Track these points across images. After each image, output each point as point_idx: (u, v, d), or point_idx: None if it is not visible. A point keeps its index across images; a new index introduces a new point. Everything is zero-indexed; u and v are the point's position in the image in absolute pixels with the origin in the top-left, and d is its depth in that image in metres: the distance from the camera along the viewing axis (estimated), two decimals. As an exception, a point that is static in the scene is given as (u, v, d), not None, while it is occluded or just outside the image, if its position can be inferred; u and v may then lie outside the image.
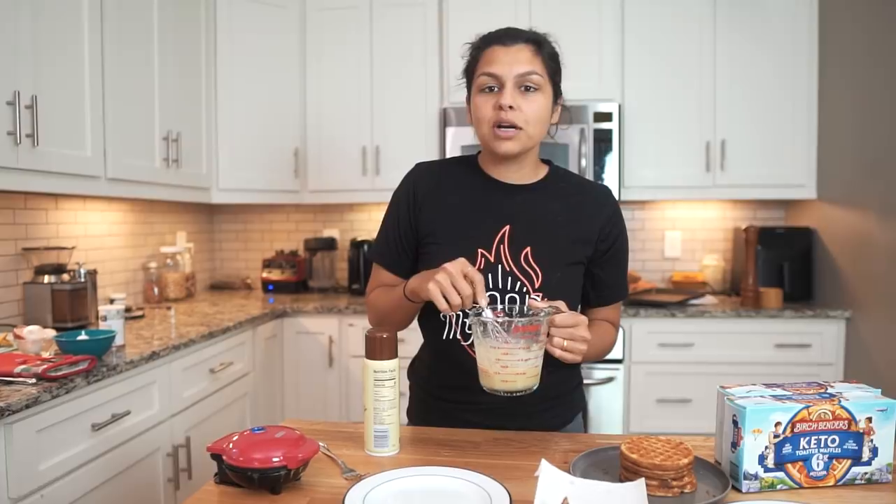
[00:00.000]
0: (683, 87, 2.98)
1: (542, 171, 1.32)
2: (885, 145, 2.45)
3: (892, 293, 2.41)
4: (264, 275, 3.35)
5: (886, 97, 2.44)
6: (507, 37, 1.22)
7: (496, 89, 1.20)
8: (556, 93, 1.25)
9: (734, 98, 2.96)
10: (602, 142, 2.91)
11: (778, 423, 0.94)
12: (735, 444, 0.95)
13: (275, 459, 0.90)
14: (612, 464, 1.01)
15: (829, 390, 1.02)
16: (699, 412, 2.76)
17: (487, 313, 1.06)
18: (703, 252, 3.36)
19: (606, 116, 2.91)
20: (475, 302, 1.06)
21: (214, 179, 2.99)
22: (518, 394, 1.05)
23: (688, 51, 2.97)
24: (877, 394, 1.01)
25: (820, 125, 2.93)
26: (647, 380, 2.79)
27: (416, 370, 1.41)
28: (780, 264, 2.96)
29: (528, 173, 1.29)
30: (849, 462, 0.97)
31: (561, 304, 1.10)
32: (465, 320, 1.25)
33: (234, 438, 0.96)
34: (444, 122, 2.99)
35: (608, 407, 2.80)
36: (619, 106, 2.93)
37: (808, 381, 1.08)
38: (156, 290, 2.93)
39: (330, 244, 3.39)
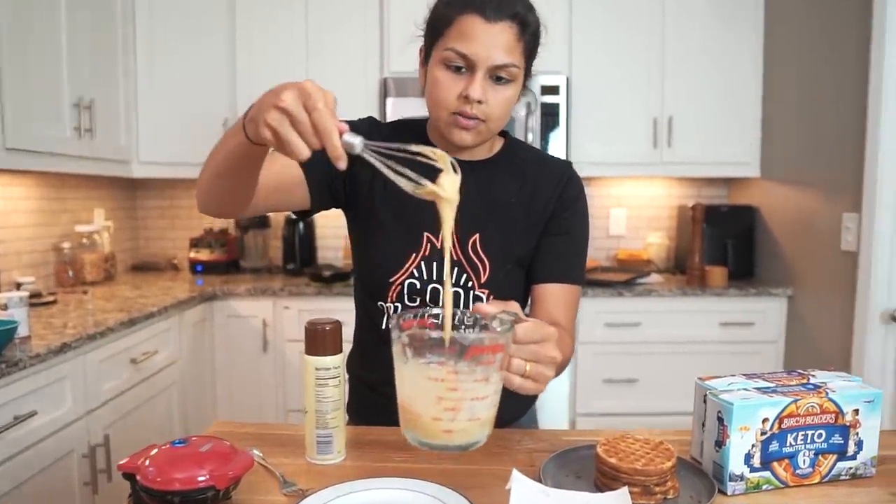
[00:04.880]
0: (632, 62, 2.92)
1: (498, 145, 1.17)
2: (828, 125, 2.45)
3: (833, 271, 2.43)
4: (192, 255, 3.13)
5: (830, 77, 2.43)
6: (489, 7, 0.98)
7: (464, 71, 1.01)
8: (527, 76, 1.09)
9: (682, 75, 2.92)
10: (549, 116, 2.81)
11: (765, 420, 0.86)
12: (720, 443, 0.86)
13: (200, 479, 0.76)
14: (584, 466, 0.91)
15: (812, 380, 0.95)
16: (646, 392, 2.74)
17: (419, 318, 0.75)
18: (648, 230, 3.33)
19: (554, 90, 2.81)
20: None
21: (134, 151, 2.75)
22: (468, 449, 0.74)
23: (637, 25, 2.90)
24: (859, 382, 0.95)
25: (764, 104, 2.92)
26: (594, 360, 2.74)
27: (354, 361, 1.26)
28: (724, 242, 2.96)
29: (483, 149, 1.14)
30: (834, 457, 0.90)
31: (514, 307, 0.81)
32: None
33: (152, 453, 0.81)
34: (385, 92, 2.83)
35: (554, 388, 2.74)
36: (567, 79, 2.83)
37: (787, 370, 1.01)
38: (70, 272, 2.68)
39: (263, 222, 3.19)
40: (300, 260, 3.10)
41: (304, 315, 2.69)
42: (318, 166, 1.08)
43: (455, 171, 0.77)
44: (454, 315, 0.79)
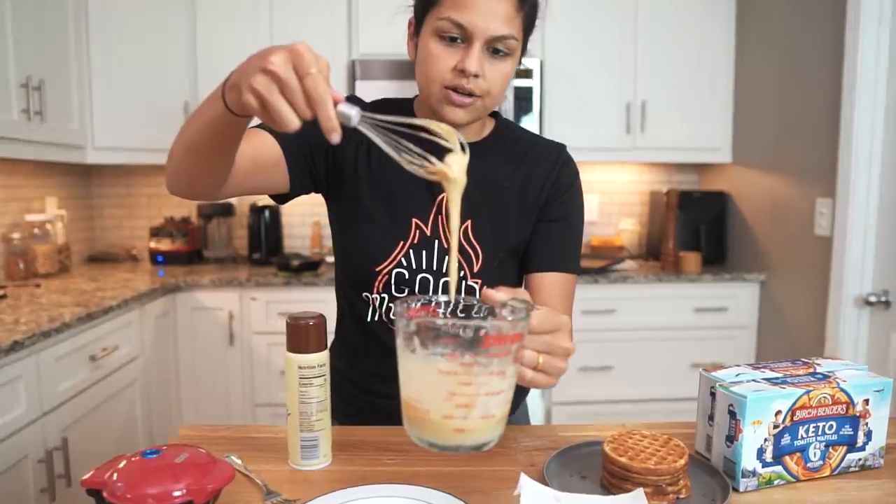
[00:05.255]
0: (606, 46, 2.88)
1: (489, 127, 1.11)
2: (801, 110, 2.44)
3: (804, 256, 2.44)
4: (152, 245, 2.99)
5: (804, 61, 2.42)
6: None
7: (459, 42, 0.93)
8: (523, 51, 1.02)
9: (655, 59, 2.89)
10: (522, 100, 2.76)
11: (778, 412, 0.82)
12: (732, 438, 0.82)
13: (176, 494, 0.69)
14: (588, 464, 0.86)
15: (819, 370, 0.91)
16: (620, 378, 2.72)
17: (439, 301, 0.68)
18: (620, 216, 3.31)
19: (527, 73, 2.75)
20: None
21: (89, 136, 2.60)
22: (481, 449, 0.67)
23: (610, 8, 2.86)
24: (866, 371, 0.91)
25: (737, 89, 2.92)
26: (569, 348, 2.71)
27: (337, 356, 1.19)
28: (697, 228, 2.95)
29: (473, 130, 1.07)
30: (844, 449, 0.87)
31: (524, 294, 0.73)
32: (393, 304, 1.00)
33: (120, 466, 0.73)
34: (353, 75, 2.74)
35: (530, 377, 2.71)
36: (541, 62, 2.78)
37: (792, 358, 0.97)
38: (21, 264, 2.53)
39: (227, 209, 3.07)
40: (266, 249, 2.99)
41: (272, 307, 2.60)
42: (298, 145, 1.01)
43: (464, 150, 0.70)
44: (457, 303, 0.71)
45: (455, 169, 0.69)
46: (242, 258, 3.12)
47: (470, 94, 0.94)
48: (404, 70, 2.68)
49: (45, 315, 1.85)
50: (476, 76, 0.93)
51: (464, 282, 1.04)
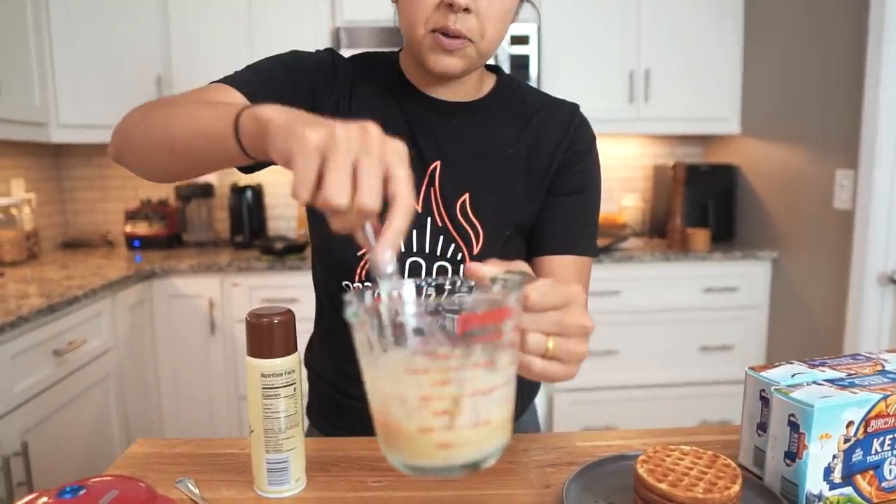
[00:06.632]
0: (607, 10, 2.70)
1: (489, 84, 0.95)
2: (818, 74, 2.28)
3: (822, 231, 2.29)
4: (128, 229, 2.82)
5: (820, 19, 2.25)
6: None
7: None
8: None
9: (660, 24, 2.71)
10: (519, 68, 2.58)
11: (850, 423, 0.67)
12: (793, 456, 0.67)
13: (95, 549, 0.53)
14: (616, 486, 0.71)
15: (889, 367, 0.76)
16: (626, 363, 2.58)
17: (387, 288, 0.53)
18: (622, 192, 3.15)
19: (523, 39, 2.58)
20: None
21: (52, 113, 2.42)
22: (478, 468, 0.51)
23: (610, -32, 2.68)
24: (941, 366, 0.76)
25: (746, 55, 2.74)
26: (571, 332, 2.57)
27: (315, 356, 1.04)
28: (705, 203, 2.79)
29: (469, 88, 0.91)
30: (922, 463, 0.72)
31: (522, 266, 0.61)
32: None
33: (29, 509, 0.57)
34: (337, 44, 2.55)
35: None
36: (538, 28, 2.60)
37: (851, 353, 0.82)
38: (-16, 252, 2.36)
39: (206, 191, 2.90)
40: (249, 232, 2.82)
41: (256, 293, 2.44)
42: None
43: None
44: (431, 284, 0.56)
45: None
46: (224, 241, 2.95)
47: (460, 36, 0.78)
48: (393, 37, 2.50)
49: (2, 308, 1.68)
50: (467, 10, 0.77)
51: (462, 265, 0.89)
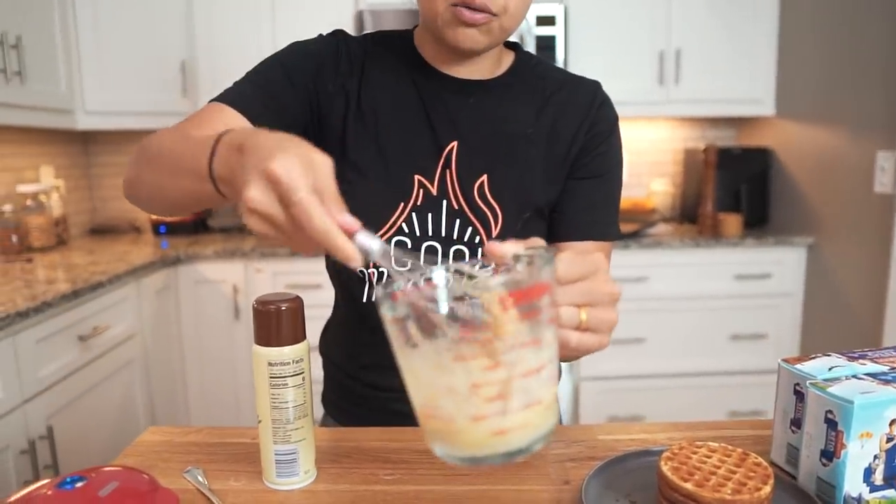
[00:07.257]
0: (635, -12, 2.62)
1: (507, 61, 0.91)
2: (856, 52, 2.18)
3: (861, 216, 2.20)
4: (154, 215, 2.84)
5: (854, 2, 2.15)
6: None
7: None
8: None
9: (690, 2, 2.62)
10: (545, 49, 2.52)
11: (893, 422, 0.62)
12: (831, 455, 0.63)
13: (91, 544, 0.52)
14: (638, 483, 0.68)
15: (935, 360, 0.71)
16: (653, 351, 2.53)
17: (436, 275, 0.53)
18: (651, 176, 3.08)
19: (549, 20, 2.51)
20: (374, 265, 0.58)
21: (79, 99, 2.43)
22: (530, 451, 0.49)
23: (640, -56, 2.59)
24: None
25: (781, 33, 2.64)
26: (598, 319, 2.52)
27: (330, 342, 1.02)
28: (737, 188, 2.71)
29: (487, 65, 0.87)
30: (970, 463, 0.67)
31: (539, 242, 0.56)
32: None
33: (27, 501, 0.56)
34: (360, 27, 2.52)
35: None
36: (565, 8, 2.53)
37: (893, 346, 0.77)
38: (14, 238, 2.39)
39: (232, 177, 2.89)
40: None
41: (279, 278, 2.43)
42: (272, 121, 0.81)
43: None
44: (451, 269, 0.54)
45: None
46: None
47: (484, 10, 0.74)
48: (417, 18, 2.46)
49: (28, 293, 1.70)
50: None
51: (480, 249, 0.85)
